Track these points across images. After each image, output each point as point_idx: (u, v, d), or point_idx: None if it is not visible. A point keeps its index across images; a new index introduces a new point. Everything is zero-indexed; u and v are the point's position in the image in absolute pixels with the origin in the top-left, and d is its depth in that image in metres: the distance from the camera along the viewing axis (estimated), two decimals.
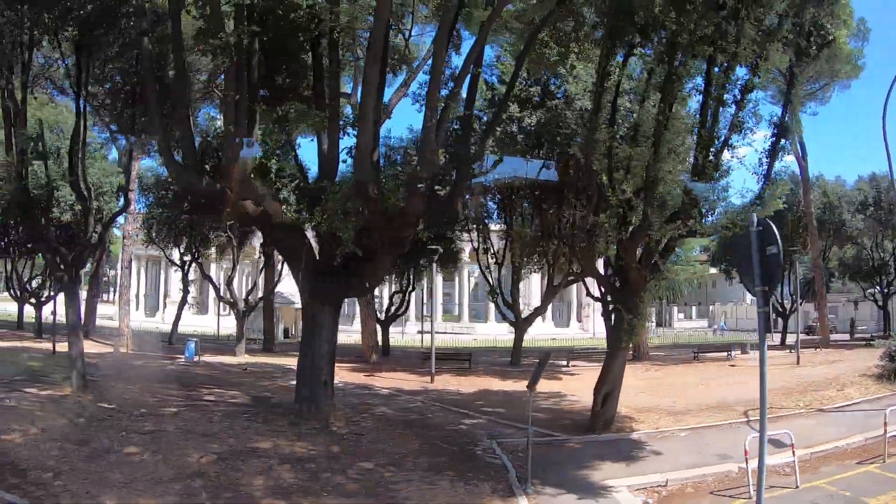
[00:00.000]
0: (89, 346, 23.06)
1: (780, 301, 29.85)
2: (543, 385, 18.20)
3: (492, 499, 7.97)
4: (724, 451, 10.03)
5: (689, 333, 36.40)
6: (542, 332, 38.77)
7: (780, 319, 31.20)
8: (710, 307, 42.74)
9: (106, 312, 36.34)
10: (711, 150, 10.12)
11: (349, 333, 33.01)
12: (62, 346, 22.44)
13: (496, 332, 35.68)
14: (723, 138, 10.20)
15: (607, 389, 11.32)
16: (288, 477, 8.53)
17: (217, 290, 26.03)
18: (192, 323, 34.73)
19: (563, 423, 12.73)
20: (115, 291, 38.35)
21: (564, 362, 22.70)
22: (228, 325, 33.10)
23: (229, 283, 23.97)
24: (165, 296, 42.59)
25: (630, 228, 10.34)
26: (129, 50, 12.18)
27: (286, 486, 8.13)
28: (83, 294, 27.72)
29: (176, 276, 32.86)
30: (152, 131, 11.34)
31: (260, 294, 25.70)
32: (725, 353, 24.67)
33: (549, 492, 8.21)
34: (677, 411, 13.57)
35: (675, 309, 42.15)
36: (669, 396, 15.41)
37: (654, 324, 39.83)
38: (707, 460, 9.71)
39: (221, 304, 27.98)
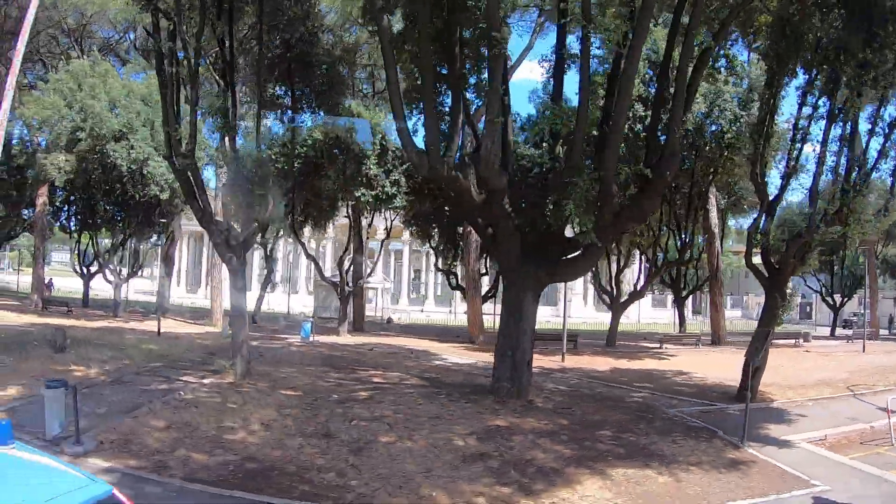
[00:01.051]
0: (177, 326, 22.36)
1: (831, 295, 30.37)
2: (660, 364, 19.12)
3: (726, 451, 9.12)
4: (852, 415, 12.01)
5: (731, 322, 36.83)
6: (593, 317, 39.00)
7: (830, 312, 31.73)
8: (744, 297, 43.32)
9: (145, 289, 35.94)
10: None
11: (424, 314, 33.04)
12: (166, 326, 21.74)
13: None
14: (872, 162, 11.99)
15: (756, 364, 12.08)
16: (557, 448, 8.79)
17: (320, 270, 25.28)
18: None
19: (712, 395, 13.79)
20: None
21: (657, 345, 23.29)
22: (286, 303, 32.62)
23: (340, 263, 23.31)
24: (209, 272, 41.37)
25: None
26: None
27: (567, 457, 8.40)
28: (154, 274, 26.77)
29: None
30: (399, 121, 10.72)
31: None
32: (793, 341, 25.37)
33: (754, 445, 9.40)
34: (791, 386, 14.64)
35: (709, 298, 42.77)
36: (773, 376, 15.49)
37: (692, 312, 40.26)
38: (842, 422, 11.56)
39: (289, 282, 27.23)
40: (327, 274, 26.98)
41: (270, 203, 13.15)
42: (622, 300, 23.91)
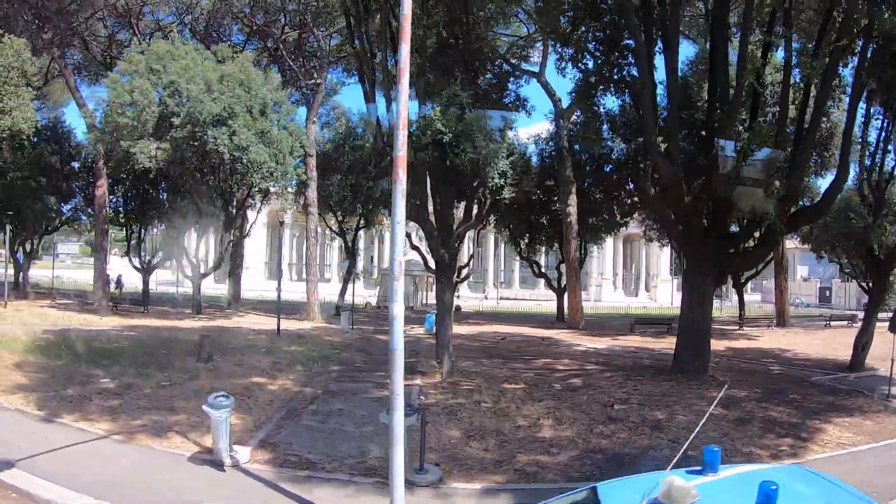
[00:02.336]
0: (273, 322, 20.44)
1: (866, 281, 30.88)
2: (757, 344, 19.45)
3: (880, 404, 10.30)
4: None
5: (759, 306, 37.64)
6: (615, 301, 39.05)
7: (845, 297, 32.65)
8: (763, 282, 43.98)
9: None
10: None
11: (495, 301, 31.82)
12: (259, 322, 19.98)
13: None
14: None
15: (865, 339, 13.70)
16: (778, 409, 9.61)
17: (425, 261, 23.69)
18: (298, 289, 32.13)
19: (827, 366, 14.75)
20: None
21: (735, 328, 23.66)
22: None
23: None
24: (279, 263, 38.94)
25: None
26: None
27: (793, 414, 9.32)
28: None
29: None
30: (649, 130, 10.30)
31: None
32: (846, 322, 25.94)
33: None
34: (879, 358, 14.93)
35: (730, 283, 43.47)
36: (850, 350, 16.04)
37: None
38: None
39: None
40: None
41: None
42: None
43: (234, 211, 21.86)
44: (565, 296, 24.07)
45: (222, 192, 19.59)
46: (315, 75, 22.59)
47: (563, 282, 24.52)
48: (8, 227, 21.34)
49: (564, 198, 21.57)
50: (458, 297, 33.94)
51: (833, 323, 26.21)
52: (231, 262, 24.76)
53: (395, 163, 4.74)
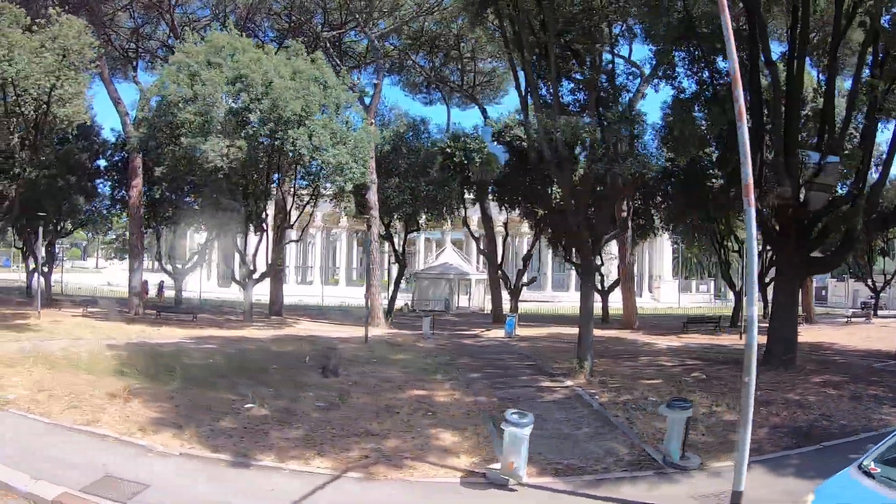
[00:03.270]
0: (338, 329, 19.17)
1: (872, 280, 32.46)
2: (803, 338, 19.28)
3: None
4: None
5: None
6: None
7: (841, 297, 34.28)
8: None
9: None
10: None
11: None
12: (324, 329, 18.71)
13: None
14: None
15: None
16: (875, 390, 10.18)
17: (493, 264, 23.05)
18: (336, 294, 30.72)
19: (875, 356, 14.98)
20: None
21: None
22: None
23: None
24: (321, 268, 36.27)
25: None
26: None
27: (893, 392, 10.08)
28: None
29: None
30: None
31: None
32: (863, 319, 27.15)
33: None
34: None
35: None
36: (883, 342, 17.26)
37: (711, 294, 42.24)
38: None
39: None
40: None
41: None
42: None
43: (289, 214, 20.45)
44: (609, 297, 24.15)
45: (283, 194, 18.27)
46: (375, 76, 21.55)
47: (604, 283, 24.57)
48: (40, 230, 19.12)
49: (619, 205, 21.52)
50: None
51: (853, 319, 27.22)
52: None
53: (745, 190, 5.31)
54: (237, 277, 20.56)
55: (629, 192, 14.33)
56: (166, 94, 17.11)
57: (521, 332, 20.21)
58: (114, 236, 38.66)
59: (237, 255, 22.04)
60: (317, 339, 16.67)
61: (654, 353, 15.76)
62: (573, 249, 24.23)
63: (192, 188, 21.59)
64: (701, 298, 41.08)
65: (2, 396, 8.44)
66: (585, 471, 6.58)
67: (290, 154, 16.62)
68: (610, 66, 15.28)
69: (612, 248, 25.50)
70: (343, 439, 7.47)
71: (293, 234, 23.96)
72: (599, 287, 24.66)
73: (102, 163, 23.35)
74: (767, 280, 27.24)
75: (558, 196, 19.41)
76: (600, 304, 25.00)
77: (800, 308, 18.21)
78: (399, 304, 29.09)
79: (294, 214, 19.73)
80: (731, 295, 42.75)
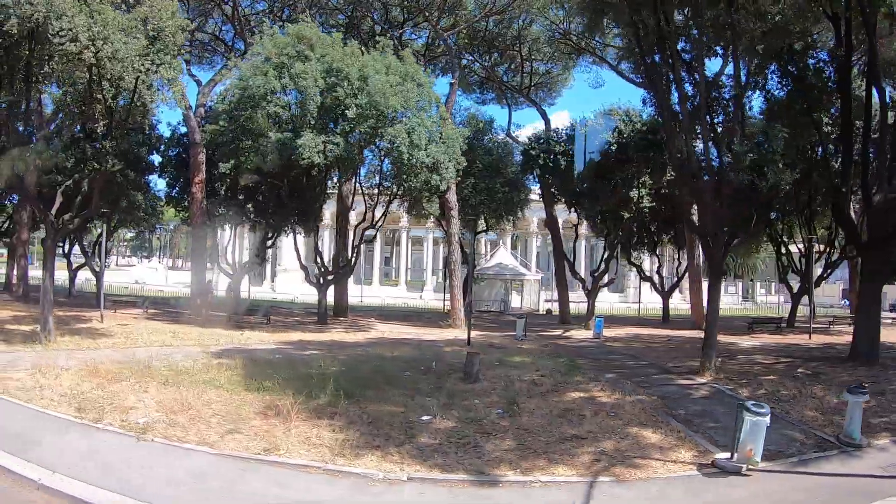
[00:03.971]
0: (415, 330, 18.35)
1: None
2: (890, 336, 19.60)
3: None
4: None
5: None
6: (649, 301, 39.47)
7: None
8: (773, 284, 45.65)
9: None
10: None
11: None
12: (436, 333, 17.79)
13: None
14: None
15: None
16: None
17: (572, 267, 22.45)
18: (394, 294, 29.76)
19: None
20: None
21: (826, 325, 23.56)
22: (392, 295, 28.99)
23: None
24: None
25: None
26: None
27: None
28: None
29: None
30: None
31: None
32: None
33: None
34: None
35: (759, 285, 45.06)
36: None
37: (739, 296, 42.68)
38: None
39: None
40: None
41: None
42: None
43: (374, 213, 19.50)
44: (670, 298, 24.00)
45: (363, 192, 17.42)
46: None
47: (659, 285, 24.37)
48: (105, 227, 17.81)
49: (688, 208, 21.34)
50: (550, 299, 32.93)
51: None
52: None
53: None
54: (311, 278, 19.55)
55: (763, 199, 14.09)
56: (248, 87, 16.11)
57: (615, 331, 19.90)
58: (132, 234, 36.90)
59: (297, 254, 21.06)
60: (415, 342, 15.94)
61: (743, 351, 15.71)
62: (631, 251, 24.04)
63: (261, 185, 20.53)
64: (730, 300, 41.36)
65: (130, 421, 7.23)
66: (785, 454, 6.90)
67: (388, 152, 15.81)
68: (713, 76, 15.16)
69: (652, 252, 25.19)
70: (557, 445, 7.04)
71: (376, 233, 22.91)
72: (660, 288, 24.53)
73: (156, 158, 21.96)
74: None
75: (644, 199, 19.13)
76: (660, 305, 24.90)
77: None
78: (444, 305, 28.42)
79: (376, 214, 18.85)
80: (759, 297, 43.77)
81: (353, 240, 19.16)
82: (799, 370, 12.19)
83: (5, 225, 23.82)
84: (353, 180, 21.33)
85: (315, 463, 6.32)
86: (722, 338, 18.67)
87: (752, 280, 43.82)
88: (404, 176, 16.59)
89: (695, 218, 21.10)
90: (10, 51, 11.99)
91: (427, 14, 21.71)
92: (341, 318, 20.91)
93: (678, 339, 18.64)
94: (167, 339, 14.48)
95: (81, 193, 14.30)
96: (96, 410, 7.57)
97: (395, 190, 18.23)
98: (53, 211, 13.56)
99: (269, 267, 37.44)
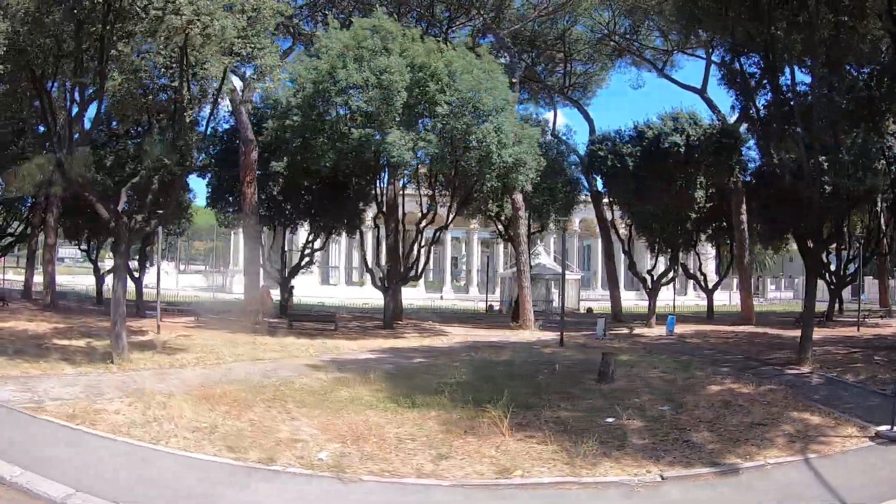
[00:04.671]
0: (478, 332, 17.72)
1: None
2: None
3: None
4: None
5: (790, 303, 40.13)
6: (667, 299, 39.85)
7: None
8: (796, 280, 44.98)
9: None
10: None
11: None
12: (506, 333, 17.17)
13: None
14: None
15: None
16: None
17: (634, 267, 22.23)
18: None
19: None
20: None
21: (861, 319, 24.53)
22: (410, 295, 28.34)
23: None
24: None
25: None
26: None
27: None
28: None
29: None
30: None
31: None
32: None
33: None
34: None
35: (768, 281, 46.08)
36: None
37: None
38: None
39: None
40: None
41: None
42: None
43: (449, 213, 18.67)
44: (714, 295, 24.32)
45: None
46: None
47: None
48: (160, 229, 16.43)
49: (737, 208, 21.72)
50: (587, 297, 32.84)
51: None
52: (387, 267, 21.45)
53: None
54: (377, 282, 18.68)
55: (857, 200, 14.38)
56: (320, 81, 15.15)
57: (654, 331, 19.91)
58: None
59: (365, 256, 20.10)
60: (505, 344, 15.47)
61: (814, 343, 15.73)
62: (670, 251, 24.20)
63: (312, 185, 19.50)
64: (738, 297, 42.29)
65: (309, 458, 6.14)
66: None
67: (473, 149, 15.20)
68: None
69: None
70: (747, 432, 7.28)
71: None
72: (704, 286, 24.87)
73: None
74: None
75: (701, 200, 19.29)
76: (696, 302, 25.25)
77: None
78: (477, 305, 28.01)
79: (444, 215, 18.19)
80: (769, 293, 44.98)
81: (419, 241, 18.39)
82: (875, 358, 12.53)
83: (20, 228, 21.78)
84: (401, 181, 20.63)
85: (566, 478, 5.84)
86: (779, 332, 19.15)
87: (760, 276, 45.12)
88: (487, 175, 16.00)
89: (743, 217, 21.83)
90: (83, 25, 10.39)
91: (482, 12, 21.16)
92: (397, 322, 20.11)
93: (742, 334, 18.81)
94: (247, 352, 13.26)
95: (152, 192, 13.01)
96: (255, 448, 6.38)
97: (468, 189, 17.60)
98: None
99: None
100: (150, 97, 13.33)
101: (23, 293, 21.37)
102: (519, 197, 19.18)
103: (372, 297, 24.80)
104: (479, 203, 19.39)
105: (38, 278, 21.99)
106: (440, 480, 5.79)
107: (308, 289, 32.26)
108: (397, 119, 15.07)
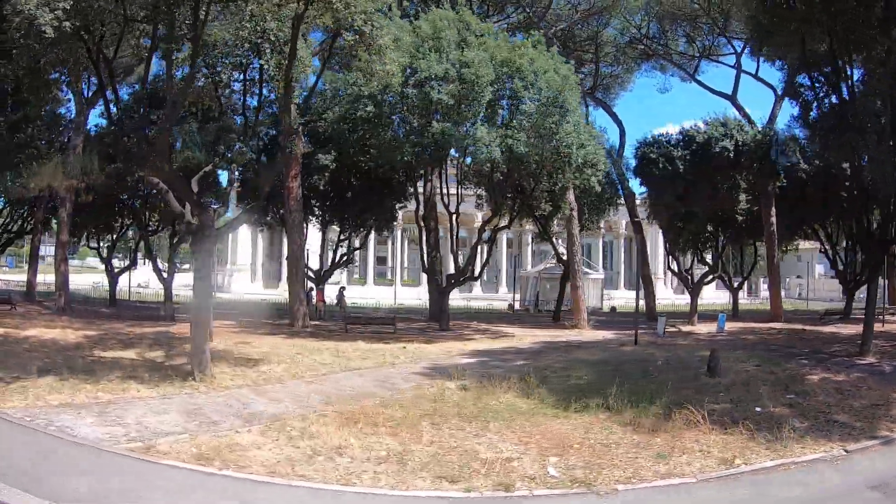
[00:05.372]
0: (529, 332, 17.42)
1: None
2: None
3: None
4: None
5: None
6: (671, 298, 40.81)
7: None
8: (787, 279, 45.07)
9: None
10: None
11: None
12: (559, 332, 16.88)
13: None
14: None
15: None
16: None
17: (678, 264, 22.34)
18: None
19: None
20: None
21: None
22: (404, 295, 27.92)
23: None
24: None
25: None
26: None
27: None
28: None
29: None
30: None
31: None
32: None
33: None
34: None
35: (762, 280, 47.54)
36: None
37: (745, 291, 45.18)
38: None
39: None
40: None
41: None
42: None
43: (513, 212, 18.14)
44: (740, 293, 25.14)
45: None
46: None
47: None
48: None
49: (767, 210, 22.55)
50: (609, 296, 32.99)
51: None
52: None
53: None
54: (441, 281, 17.98)
55: None
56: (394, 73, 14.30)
57: (702, 329, 20.27)
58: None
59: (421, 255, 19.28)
60: (582, 344, 15.27)
61: (853, 338, 15.90)
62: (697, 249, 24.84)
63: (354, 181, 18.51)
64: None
65: (541, 478, 5.82)
66: None
67: (559, 149, 14.87)
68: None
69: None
70: (875, 410, 8.09)
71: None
72: (730, 285, 25.67)
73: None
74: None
75: (743, 202, 19.89)
76: (719, 301, 26.05)
77: None
78: (496, 304, 27.72)
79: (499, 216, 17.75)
80: (763, 293, 46.44)
81: (478, 242, 17.87)
82: None
83: (20, 225, 19.38)
84: (442, 178, 19.98)
85: (782, 460, 6.43)
86: (813, 327, 20.00)
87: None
88: (567, 175, 15.78)
89: (773, 219, 22.72)
90: None
91: (525, 8, 20.85)
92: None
93: (783, 330, 19.30)
94: (331, 360, 12.13)
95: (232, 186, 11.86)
96: (471, 475, 5.86)
97: (530, 189, 17.26)
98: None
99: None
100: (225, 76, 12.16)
101: (25, 295, 19.01)
102: (571, 196, 19.04)
103: (403, 296, 23.97)
104: (534, 203, 19.04)
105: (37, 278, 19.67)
106: (685, 478, 5.92)
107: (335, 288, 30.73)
108: (481, 115, 14.47)
